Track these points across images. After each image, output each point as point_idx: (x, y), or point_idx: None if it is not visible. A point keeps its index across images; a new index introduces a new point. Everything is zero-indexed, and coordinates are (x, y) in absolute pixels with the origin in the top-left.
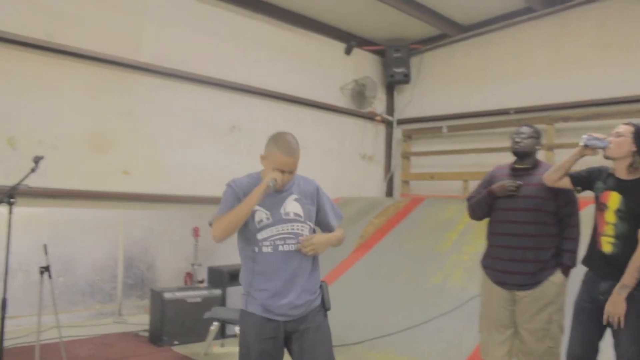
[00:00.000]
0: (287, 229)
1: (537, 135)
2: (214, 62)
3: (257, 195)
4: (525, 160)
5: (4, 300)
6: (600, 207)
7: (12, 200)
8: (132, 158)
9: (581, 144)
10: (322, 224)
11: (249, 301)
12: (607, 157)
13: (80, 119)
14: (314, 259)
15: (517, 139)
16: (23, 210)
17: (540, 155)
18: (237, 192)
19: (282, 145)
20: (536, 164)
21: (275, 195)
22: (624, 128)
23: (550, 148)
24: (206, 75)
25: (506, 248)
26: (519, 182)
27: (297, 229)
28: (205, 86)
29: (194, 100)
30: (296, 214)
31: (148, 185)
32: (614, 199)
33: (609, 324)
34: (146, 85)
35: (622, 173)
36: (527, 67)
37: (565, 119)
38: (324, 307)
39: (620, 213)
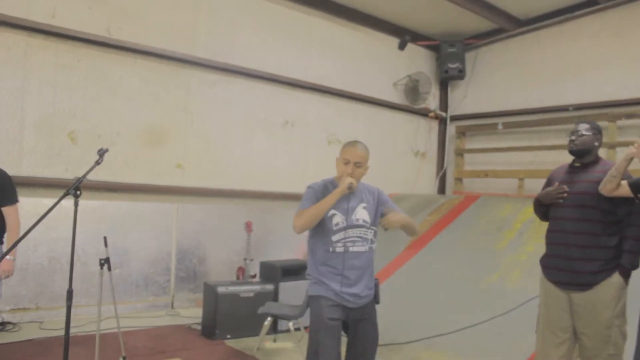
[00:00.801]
0: (356, 233)
1: (595, 132)
2: (267, 57)
3: (337, 195)
4: (583, 158)
5: (70, 292)
6: None
7: (78, 192)
8: (186, 152)
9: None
10: None
11: (320, 288)
12: None
13: (137, 113)
14: (373, 261)
15: (573, 137)
16: (80, 204)
17: (602, 153)
18: (317, 192)
19: (349, 143)
20: (595, 161)
21: (349, 202)
22: None
23: (612, 146)
24: (260, 70)
25: (560, 245)
26: (564, 187)
27: (364, 234)
28: (258, 81)
29: (247, 95)
30: (364, 221)
31: (201, 179)
32: None
33: None
34: (201, 80)
35: None
36: (588, 62)
37: (629, 116)
38: (376, 300)
39: None
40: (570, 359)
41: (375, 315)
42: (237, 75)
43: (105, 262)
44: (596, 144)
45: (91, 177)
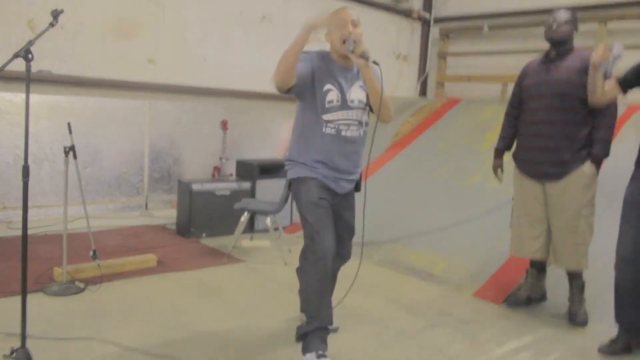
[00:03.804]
0: (352, 116)
1: (575, 20)
2: None
3: (308, 28)
4: (560, 48)
5: (26, 168)
6: None
7: (30, 56)
8: (158, 46)
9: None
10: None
11: (306, 169)
12: None
13: (104, 2)
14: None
15: (554, 26)
16: (47, 100)
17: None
18: (312, 61)
19: (337, 9)
20: (571, 49)
21: (347, 77)
22: None
23: None
24: None
25: (535, 137)
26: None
27: (359, 117)
28: None
29: None
30: (360, 101)
31: (174, 75)
32: None
33: None
34: None
35: None
36: None
37: (620, 18)
38: (356, 188)
39: None
40: (545, 254)
41: (354, 202)
42: None
43: (70, 149)
44: (575, 32)
45: (55, 69)
